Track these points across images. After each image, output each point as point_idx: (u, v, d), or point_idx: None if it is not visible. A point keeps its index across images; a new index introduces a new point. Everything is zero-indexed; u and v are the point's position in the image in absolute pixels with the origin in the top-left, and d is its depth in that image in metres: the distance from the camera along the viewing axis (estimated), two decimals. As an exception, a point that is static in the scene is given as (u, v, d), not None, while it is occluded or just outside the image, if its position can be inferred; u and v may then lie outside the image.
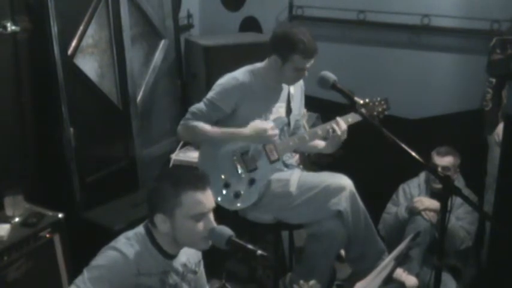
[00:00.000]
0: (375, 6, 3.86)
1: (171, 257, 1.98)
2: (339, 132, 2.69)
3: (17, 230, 2.72)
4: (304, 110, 3.13)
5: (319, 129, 2.82)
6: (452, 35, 3.71)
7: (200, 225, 1.87)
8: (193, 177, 1.89)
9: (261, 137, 2.70)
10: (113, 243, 1.92)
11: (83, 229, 3.13)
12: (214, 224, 1.90)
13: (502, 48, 3.18)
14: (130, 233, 1.96)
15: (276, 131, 2.73)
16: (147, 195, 1.94)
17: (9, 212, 2.79)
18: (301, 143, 2.83)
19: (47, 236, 2.79)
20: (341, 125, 2.71)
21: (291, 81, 2.78)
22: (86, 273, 1.84)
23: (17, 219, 2.78)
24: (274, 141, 2.75)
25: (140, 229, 1.97)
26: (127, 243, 1.91)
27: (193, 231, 1.87)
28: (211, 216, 1.90)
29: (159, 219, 1.88)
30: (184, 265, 2.05)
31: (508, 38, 3.19)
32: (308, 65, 2.65)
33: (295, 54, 2.61)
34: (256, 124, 2.70)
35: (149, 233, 1.95)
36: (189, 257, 2.08)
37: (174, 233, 1.89)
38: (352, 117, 2.73)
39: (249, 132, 2.70)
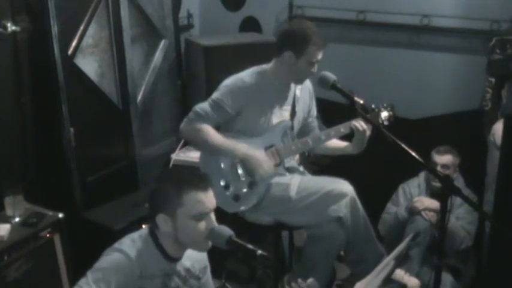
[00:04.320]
0: (375, 6, 3.86)
1: (174, 260, 1.98)
2: (364, 127, 2.68)
3: (17, 230, 2.72)
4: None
5: (322, 135, 2.82)
6: (452, 35, 3.71)
7: (202, 225, 1.87)
8: (195, 178, 1.90)
9: (253, 168, 2.67)
10: (117, 245, 1.92)
11: (83, 229, 3.13)
12: (215, 224, 1.90)
13: (501, 48, 3.18)
14: (135, 235, 1.96)
15: (267, 173, 2.69)
16: (149, 196, 1.95)
17: (9, 212, 2.80)
18: (304, 148, 2.82)
19: (47, 236, 2.79)
20: (362, 123, 2.70)
21: (303, 77, 2.75)
22: (89, 275, 1.84)
23: (17, 219, 2.78)
24: (262, 177, 2.71)
25: (145, 231, 1.98)
26: (131, 245, 1.90)
27: (195, 231, 1.87)
28: (212, 216, 1.91)
29: (161, 219, 1.89)
30: (188, 270, 2.05)
31: (507, 38, 3.19)
32: (319, 57, 2.65)
33: (310, 46, 2.61)
34: (257, 154, 2.68)
35: (153, 234, 1.95)
36: (193, 262, 2.07)
37: (175, 233, 1.89)
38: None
39: (246, 155, 2.67)
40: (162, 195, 1.89)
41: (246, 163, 2.70)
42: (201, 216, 1.87)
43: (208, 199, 1.90)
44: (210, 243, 1.91)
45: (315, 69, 2.70)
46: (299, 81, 2.80)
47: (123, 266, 1.85)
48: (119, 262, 1.85)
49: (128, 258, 1.86)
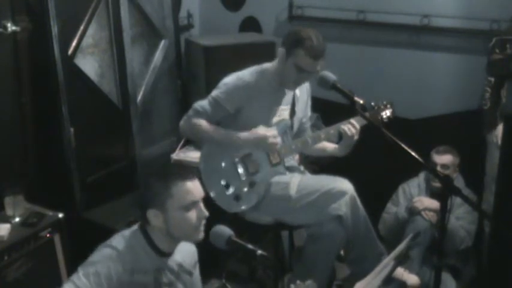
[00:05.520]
0: (375, 6, 3.86)
1: (166, 255, 2.00)
2: (353, 131, 2.68)
3: (17, 230, 2.72)
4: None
5: (322, 133, 2.82)
6: (452, 35, 3.71)
7: (192, 215, 1.90)
8: (180, 169, 1.95)
9: (262, 144, 2.69)
10: (108, 241, 1.95)
11: (83, 229, 3.13)
12: (205, 212, 1.93)
13: (501, 48, 3.18)
14: (126, 232, 1.99)
15: (278, 140, 2.70)
16: (139, 195, 1.99)
17: (9, 212, 2.80)
18: (304, 146, 2.82)
19: (47, 236, 2.79)
20: (355, 125, 2.70)
21: (291, 83, 2.72)
22: (80, 270, 1.87)
23: (17, 219, 2.79)
24: (274, 149, 2.73)
25: (136, 227, 2.00)
26: (122, 241, 1.93)
27: (186, 222, 1.90)
28: (201, 205, 1.94)
29: (152, 214, 1.90)
30: (180, 265, 2.06)
31: (507, 38, 3.19)
32: (310, 68, 2.59)
33: (300, 49, 2.57)
34: (259, 130, 2.69)
35: (144, 231, 1.96)
36: (184, 257, 2.09)
37: (167, 227, 1.91)
38: (356, 121, 2.73)
39: (249, 138, 2.68)
40: (150, 190, 1.92)
41: (254, 146, 2.70)
42: (191, 205, 1.90)
43: (196, 188, 1.92)
44: (202, 233, 1.93)
45: (303, 79, 2.69)
46: (288, 87, 2.77)
47: (113, 260, 1.87)
48: (109, 257, 1.88)
49: (118, 252, 1.89)
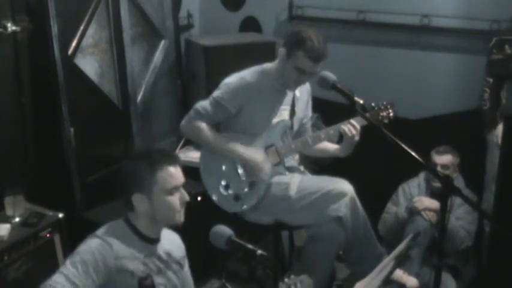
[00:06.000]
0: (375, 6, 3.86)
1: (152, 241, 2.04)
2: (354, 132, 2.67)
3: (17, 230, 2.72)
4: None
5: (322, 133, 2.81)
6: (452, 35, 3.71)
7: (175, 199, 1.99)
8: (164, 155, 2.04)
9: (252, 169, 2.71)
10: (94, 233, 2.01)
11: (83, 229, 3.11)
12: (187, 196, 2.02)
13: (499, 48, 3.18)
14: (110, 223, 2.05)
15: (267, 175, 2.72)
16: (120, 179, 2.04)
17: (9, 212, 2.80)
18: (303, 146, 2.82)
19: (47, 236, 2.79)
20: (356, 126, 2.69)
21: (291, 83, 2.71)
22: (67, 261, 1.91)
23: (17, 219, 2.79)
24: (259, 178, 2.73)
25: (119, 219, 2.06)
26: (106, 230, 2.00)
27: (170, 205, 1.98)
28: (183, 189, 2.03)
29: (138, 198, 1.97)
30: (169, 254, 2.10)
31: (506, 38, 3.19)
32: (310, 69, 2.59)
33: (300, 51, 2.57)
34: (257, 155, 2.71)
35: (127, 220, 2.03)
36: (173, 247, 2.14)
37: (152, 211, 1.98)
38: (357, 122, 2.72)
39: (244, 157, 2.70)
40: (136, 175, 1.98)
41: (246, 166, 2.72)
42: (175, 189, 1.99)
43: (178, 173, 2.02)
44: (183, 216, 2.02)
45: (303, 80, 2.69)
46: (288, 88, 2.76)
47: (99, 248, 1.91)
48: (94, 245, 1.92)
49: (103, 240, 1.94)
